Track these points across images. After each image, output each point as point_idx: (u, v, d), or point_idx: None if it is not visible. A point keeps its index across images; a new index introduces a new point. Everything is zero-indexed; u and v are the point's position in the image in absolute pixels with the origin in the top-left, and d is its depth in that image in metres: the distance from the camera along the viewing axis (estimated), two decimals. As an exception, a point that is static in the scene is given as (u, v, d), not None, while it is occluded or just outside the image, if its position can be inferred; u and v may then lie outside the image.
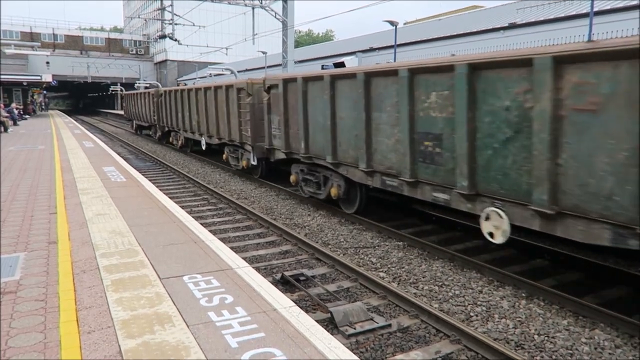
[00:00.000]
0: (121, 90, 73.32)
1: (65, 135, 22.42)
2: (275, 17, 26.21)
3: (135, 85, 65.37)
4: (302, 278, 6.67)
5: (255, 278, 4.69)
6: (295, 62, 33.69)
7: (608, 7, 21.92)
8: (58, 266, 4.95)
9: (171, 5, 30.35)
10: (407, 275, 6.94)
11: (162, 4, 32.42)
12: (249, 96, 13.34)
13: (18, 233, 6.19)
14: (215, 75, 50.42)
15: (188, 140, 21.57)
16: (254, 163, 13.84)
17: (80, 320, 3.76)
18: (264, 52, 42.09)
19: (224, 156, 16.26)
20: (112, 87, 72.54)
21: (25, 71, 45.32)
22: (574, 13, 23.35)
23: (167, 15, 31.10)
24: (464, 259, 7.28)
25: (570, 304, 5.80)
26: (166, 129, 24.19)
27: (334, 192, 9.96)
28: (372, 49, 35.77)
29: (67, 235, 6.08)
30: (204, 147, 18.39)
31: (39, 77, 38.52)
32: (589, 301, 5.78)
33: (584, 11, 21.31)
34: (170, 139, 24.23)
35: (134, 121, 34.17)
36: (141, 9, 79.71)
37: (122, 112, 64.76)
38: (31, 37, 72.60)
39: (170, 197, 10.67)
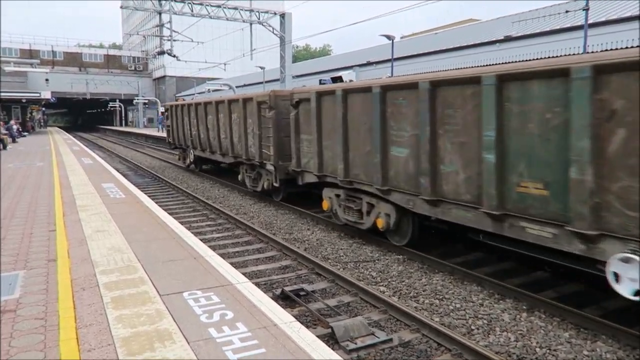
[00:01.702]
0: (120, 107, 73.58)
1: (64, 152, 22.46)
2: (273, 32, 26.46)
3: (134, 101, 65.69)
4: (302, 293, 6.64)
5: (255, 293, 4.68)
6: (293, 77, 33.90)
7: (603, 20, 22.19)
8: (58, 284, 4.94)
9: (169, 21, 30.61)
10: (407, 289, 6.92)
11: (160, 20, 32.70)
12: None
13: (17, 250, 6.18)
14: (213, 91, 50.68)
15: (407, 220, 8.44)
16: None
17: (80, 338, 3.74)
18: (262, 67, 42.36)
19: None
20: (110, 103, 72.92)
21: (25, 88, 45.49)
22: (568, 26, 23.61)
23: (166, 32, 31.37)
24: (464, 272, 7.26)
25: (572, 316, 5.79)
26: (315, 178, 10.49)
27: None
28: (369, 63, 36.06)
29: (67, 252, 6.07)
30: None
31: (38, 94, 38.75)
32: (590, 313, 5.76)
33: (579, 24, 21.55)
34: (328, 203, 10.18)
35: (191, 151, 20.20)
36: (140, 25, 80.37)
37: (121, 129, 65.00)
38: (30, 54, 73.04)
39: (169, 213, 10.66)
